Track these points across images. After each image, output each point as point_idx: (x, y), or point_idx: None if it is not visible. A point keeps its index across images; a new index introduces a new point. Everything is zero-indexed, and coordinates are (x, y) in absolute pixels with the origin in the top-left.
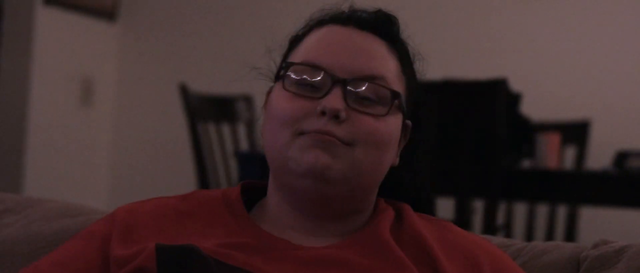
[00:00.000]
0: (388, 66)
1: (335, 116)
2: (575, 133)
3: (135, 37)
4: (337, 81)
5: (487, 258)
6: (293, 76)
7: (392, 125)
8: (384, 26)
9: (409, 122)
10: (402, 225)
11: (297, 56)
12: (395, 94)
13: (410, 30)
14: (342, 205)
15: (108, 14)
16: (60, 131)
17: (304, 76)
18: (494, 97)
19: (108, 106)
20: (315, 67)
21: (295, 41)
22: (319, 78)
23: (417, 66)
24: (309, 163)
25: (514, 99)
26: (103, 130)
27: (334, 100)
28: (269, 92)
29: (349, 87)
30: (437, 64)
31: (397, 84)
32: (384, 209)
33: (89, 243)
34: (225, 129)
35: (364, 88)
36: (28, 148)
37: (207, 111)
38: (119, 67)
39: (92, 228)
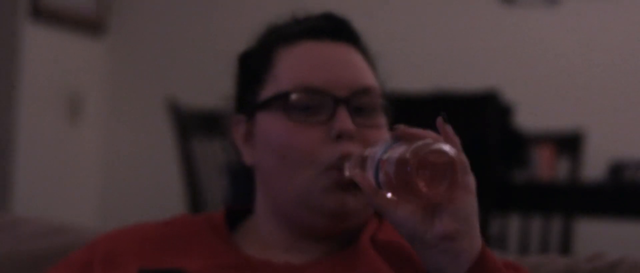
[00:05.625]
0: (370, 73)
1: (350, 137)
2: (569, 144)
3: (123, 53)
4: (338, 101)
5: None
6: (293, 104)
7: (387, 132)
8: (349, 32)
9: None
10: (381, 229)
11: (283, 81)
12: (386, 101)
13: (403, 42)
14: (348, 233)
15: (95, 30)
16: (48, 147)
17: (304, 102)
18: (486, 109)
19: (96, 122)
20: (313, 91)
21: (259, 64)
22: (319, 101)
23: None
24: (336, 205)
25: (507, 110)
26: (91, 146)
27: (345, 121)
28: (238, 122)
29: (351, 104)
30: (429, 75)
31: (379, 92)
32: (371, 218)
33: (69, 272)
34: (216, 144)
35: (362, 102)
36: (16, 165)
37: (196, 125)
38: (107, 83)
39: (72, 257)
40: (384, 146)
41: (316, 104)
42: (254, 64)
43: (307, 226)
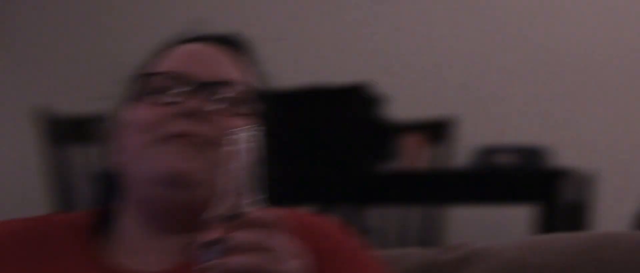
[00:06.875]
0: (235, 72)
1: (200, 117)
2: (438, 132)
3: None
4: (196, 86)
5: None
6: (149, 88)
7: (244, 123)
8: (225, 41)
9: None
10: None
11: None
12: (244, 96)
13: (272, 41)
14: (199, 212)
15: None
16: None
17: (162, 85)
18: (351, 102)
19: None
20: (170, 75)
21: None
22: (177, 85)
23: (261, 71)
24: (167, 167)
25: (374, 102)
26: None
27: (197, 102)
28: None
29: (207, 91)
30: (304, 71)
31: (244, 87)
32: None
33: None
34: (88, 151)
35: (222, 92)
36: None
37: (66, 132)
38: None
39: None
40: (219, 251)
41: (175, 90)
42: (136, 84)
43: (147, 201)
